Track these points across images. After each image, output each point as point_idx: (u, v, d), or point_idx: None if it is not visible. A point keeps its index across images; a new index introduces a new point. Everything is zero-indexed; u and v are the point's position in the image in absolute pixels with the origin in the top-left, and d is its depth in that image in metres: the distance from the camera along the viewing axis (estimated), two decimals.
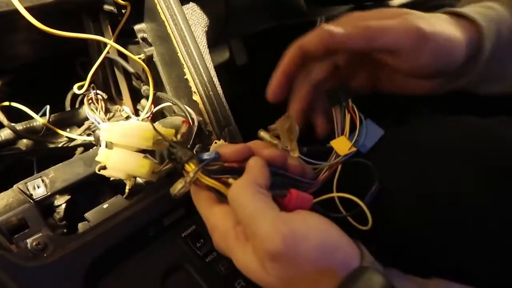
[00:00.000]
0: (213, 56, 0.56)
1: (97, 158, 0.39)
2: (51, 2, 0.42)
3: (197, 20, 0.52)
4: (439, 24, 0.35)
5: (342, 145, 0.38)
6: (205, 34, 0.53)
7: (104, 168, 0.40)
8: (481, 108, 0.39)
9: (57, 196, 0.44)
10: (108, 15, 0.55)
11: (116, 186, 0.51)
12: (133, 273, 0.37)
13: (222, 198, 0.32)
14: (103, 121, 0.50)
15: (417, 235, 0.34)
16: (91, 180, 0.46)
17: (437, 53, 0.34)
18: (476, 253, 0.32)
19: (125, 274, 0.37)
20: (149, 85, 0.52)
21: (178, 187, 0.31)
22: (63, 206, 0.46)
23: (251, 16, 0.62)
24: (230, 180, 0.31)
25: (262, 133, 0.38)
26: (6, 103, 0.51)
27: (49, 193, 0.41)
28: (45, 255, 0.34)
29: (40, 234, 0.35)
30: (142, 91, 0.54)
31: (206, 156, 0.31)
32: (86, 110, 0.51)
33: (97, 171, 0.41)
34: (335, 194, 0.35)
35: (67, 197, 0.47)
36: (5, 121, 0.50)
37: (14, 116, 0.52)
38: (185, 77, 0.48)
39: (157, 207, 0.41)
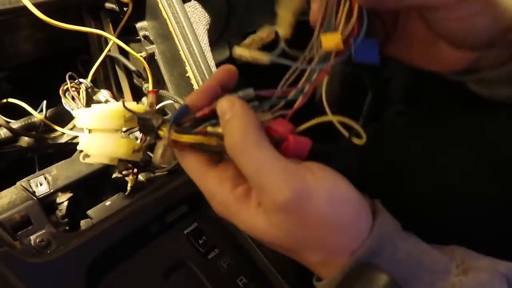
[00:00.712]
0: (214, 53, 0.56)
1: (78, 147, 0.39)
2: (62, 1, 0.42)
3: (198, 18, 0.52)
4: None
5: (329, 41, 0.28)
6: (206, 32, 0.53)
7: (87, 156, 0.39)
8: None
9: (59, 194, 0.45)
10: (109, 13, 0.55)
11: (118, 183, 0.51)
12: (136, 270, 0.38)
13: (209, 151, 0.29)
14: (77, 109, 0.49)
15: (428, 223, 0.33)
16: (93, 178, 0.46)
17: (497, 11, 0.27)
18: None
19: (128, 271, 0.37)
20: (149, 83, 0.53)
21: (158, 153, 0.28)
22: (65, 203, 0.46)
23: (252, 14, 0.62)
24: (209, 129, 0.28)
25: (239, 50, 0.31)
26: (4, 100, 0.51)
27: (51, 191, 0.41)
28: (48, 251, 0.34)
29: (44, 231, 0.36)
30: (143, 89, 0.54)
31: (175, 114, 0.28)
32: (62, 101, 0.50)
33: (81, 160, 0.40)
34: (332, 118, 0.29)
35: (69, 195, 0.48)
36: (1, 120, 0.49)
37: (16, 113, 0.52)
38: (187, 75, 0.48)
39: (159, 204, 0.41)
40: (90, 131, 0.38)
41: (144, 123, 0.29)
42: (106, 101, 0.49)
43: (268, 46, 0.31)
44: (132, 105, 0.36)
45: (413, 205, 0.33)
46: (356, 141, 0.28)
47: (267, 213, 0.27)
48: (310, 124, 0.28)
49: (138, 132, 0.44)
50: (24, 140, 0.54)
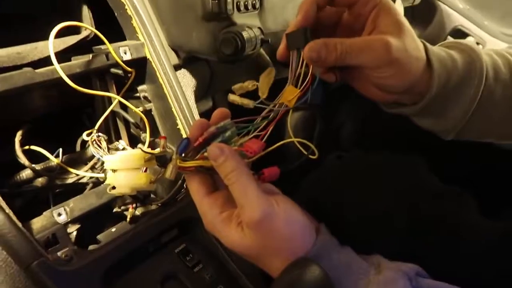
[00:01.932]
0: (198, 106, 0.69)
1: (106, 181, 0.50)
2: (82, 71, 0.55)
3: (187, 82, 0.66)
4: (411, 54, 0.40)
5: (289, 94, 0.40)
6: (193, 92, 0.66)
7: (114, 188, 0.50)
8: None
9: (69, 225, 0.55)
10: (114, 76, 0.68)
11: (119, 216, 0.62)
12: (138, 279, 0.48)
13: (208, 171, 0.39)
14: (105, 155, 0.61)
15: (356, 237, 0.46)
16: (100, 209, 0.57)
17: (403, 75, 0.40)
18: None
19: (132, 281, 0.48)
20: (146, 133, 0.65)
21: (167, 172, 0.38)
22: (74, 233, 0.57)
23: (231, 77, 0.77)
24: (206, 154, 0.38)
25: (232, 97, 0.43)
26: (27, 147, 0.62)
27: (69, 219, 0.52)
28: (72, 263, 0.44)
29: (67, 248, 0.46)
30: (141, 138, 0.66)
31: (180, 147, 0.38)
32: (91, 149, 0.62)
33: (108, 192, 0.51)
34: (294, 139, 0.40)
35: (77, 226, 0.58)
36: (26, 162, 0.60)
37: (32, 158, 0.62)
38: (178, 127, 0.60)
39: (155, 229, 0.52)
40: (114, 170, 0.49)
41: (160, 159, 0.41)
42: (124, 148, 0.61)
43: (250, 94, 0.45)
44: (148, 150, 0.47)
45: (347, 232, 0.44)
46: (311, 157, 0.41)
47: (243, 228, 0.38)
48: (278, 145, 0.40)
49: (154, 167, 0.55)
50: (39, 181, 0.65)
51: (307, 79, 0.40)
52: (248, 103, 0.42)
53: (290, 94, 0.41)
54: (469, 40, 1.29)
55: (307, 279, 0.33)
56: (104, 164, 0.49)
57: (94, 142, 0.57)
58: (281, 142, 0.40)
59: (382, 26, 0.41)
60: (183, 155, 0.39)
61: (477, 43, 1.30)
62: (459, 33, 1.29)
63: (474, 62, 0.43)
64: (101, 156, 0.55)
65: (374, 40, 0.40)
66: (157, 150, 0.44)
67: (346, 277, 0.38)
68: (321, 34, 0.42)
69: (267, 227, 0.37)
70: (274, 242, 0.38)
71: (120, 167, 0.48)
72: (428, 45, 0.43)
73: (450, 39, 1.28)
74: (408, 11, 1.19)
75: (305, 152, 0.41)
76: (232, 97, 0.43)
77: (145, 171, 0.48)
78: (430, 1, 1.20)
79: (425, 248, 0.48)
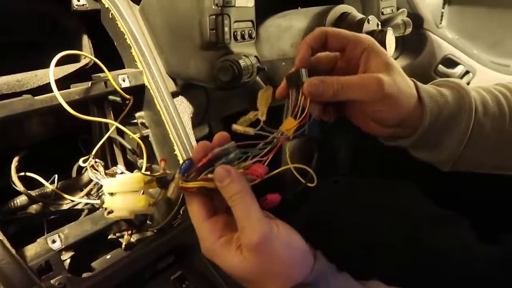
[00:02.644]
0: (195, 132, 0.70)
1: (104, 205, 0.49)
2: (81, 98, 0.55)
3: (184, 109, 0.67)
4: (403, 90, 0.43)
5: (289, 124, 0.43)
6: (190, 119, 0.67)
7: (111, 212, 0.49)
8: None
9: (63, 252, 0.54)
10: (111, 103, 0.69)
11: (114, 243, 0.61)
12: None
13: (210, 192, 0.39)
14: (103, 179, 0.61)
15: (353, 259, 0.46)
16: (95, 236, 0.56)
17: (386, 114, 0.44)
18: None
19: None
20: (143, 159, 0.65)
21: (169, 190, 0.39)
22: (68, 260, 0.56)
23: (227, 104, 0.78)
24: (209, 175, 0.38)
25: (235, 126, 0.44)
26: (22, 173, 0.62)
27: (63, 246, 0.51)
28: None
29: (61, 276, 0.45)
30: (137, 163, 0.66)
31: (182, 167, 0.39)
32: (89, 174, 0.62)
33: (106, 216, 0.50)
34: (291, 165, 0.42)
35: (71, 253, 0.58)
36: (22, 188, 0.60)
37: (27, 184, 0.62)
38: (175, 152, 0.61)
39: (151, 255, 0.52)
40: (112, 194, 0.49)
41: (161, 181, 0.41)
42: (122, 173, 0.61)
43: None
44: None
45: (344, 256, 0.44)
46: (309, 185, 0.42)
47: (242, 252, 0.38)
48: (279, 170, 0.42)
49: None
50: (33, 208, 0.64)
51: (304, 113, 0.43)
52: (248, 130, 0.44)
53: (289, 125, 0.43)
54: (459, 69, 1.33)
55: None
56: (103, 188, 0.49)
57: (91, 167, 0.57)
58: (282, 168, 0.42)
59: (373, 67, 0.44)
60: (185, 175, 0.39)
61: (467, 72, 1.33)
62: (450, 62, 1.32)
63: (463, 97, 0.46)
64: (99, 180, 0.55)
65: (368, 77, 0.43)
66: (158, 173, 0.44)
67: None
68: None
69: (267, 249, 0.37)
70: (273, 265, 0.38)
71: (118, 190, 0.48)
72: (418, 83, 0.47)
73: (441, 67, 1.31)
74: (399, 41, 1.23)
75: (303, 181, 0.42)
76: (235, 127, 0.45)
77: (142, 194, 0.48)
78: (420, 31, 1.24)
79: (421, 273, 0.48)
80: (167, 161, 0.63)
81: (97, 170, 0.58)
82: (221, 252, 0.39)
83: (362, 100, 0.43)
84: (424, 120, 0.45)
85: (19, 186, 0.59)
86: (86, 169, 0.66)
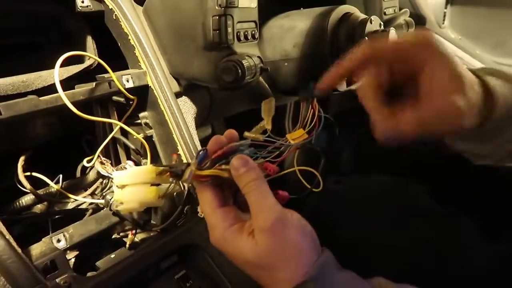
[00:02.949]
0: (198, 132, 0.71)
1: (114, 197, 0.50)
2: (85, 98, 0.56)
3: (188, 109, 0.67)
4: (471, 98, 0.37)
5: (298, 133, 0.46)
6: (193, 119, 0.68)
7: (121, 204, 0.49)
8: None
9: (68, 252, 0.55)
10: (115, 103, 0.69)
11: (118, 242, 0.62)
12: None
13: (223, 181, 0.41)
14: (114, 172, 0.61)
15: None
16: (100, 237, 0.57)
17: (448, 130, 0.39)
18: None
19: None
20: (147, 159, 0.65)
21: (185, 174, 0.41)
22: (73, 260, 0.57)
23: (230, 104, 0.78)
24: (224, 166, 0.41)
25: (247, 133, 0.47)
26: (28, 173, 0.63)
27: (68, 245, 0.52)
28: None
29: (66, 275, 0.46)
30: (141, 163, 0.66)
31: (199, 157, 0.41)
32: (99, 169, 0.61)
33: (114, 208, 0.51)
34: (296, 168, 0.45)
35: (76, 253, 0.58)
36: (29, 187, 0.60)
37: (31, 184, 0.62)
38: (178, 152, 0.61)
39: (154, 254, 0.52)
40: (122, 187, 0.49)
41: (174, 171, 0.42)
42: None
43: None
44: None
45: (346, 254, 0.44)
46: (315, 190, 0.43)
47: (255, 236, 0.38)
48: (285, 172, 0.45)
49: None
50: (37, 208, 0.65)
51: (313, 123, 0.46)
52: (258, 137, 0.46)
53: (298, 133, 0.47)
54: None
55: None
56: (113, 180, 0.49)
57: (100, 162, 0.58)
58: (290, 170, 0.45)
59: (441, 85, 0.37)
60: (200, 164, 0.41)
61: None
62: None
63: None
64: (110, 174, 0.55)
65: (445, 111, 0.37)
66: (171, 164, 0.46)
67: None
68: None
69: (281, 232, 0.38)
70: (286, 248, 0.38)
71: (129, 182, 0.48)
72: (486, 79, 0.42)
73: None
74: None
75: (309, 186, 0.44)
76: (246, 134, 0.47)
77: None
78: None
79: (424, 271, 0.48)
80: (170, 161, 0.64)
81: (106, 166, 0.59)
82: (233, 238, 0.39)
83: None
84: (496, 111, 0.40)
85: (26, 185, 0.59)
86: (91, 169, 0.66)
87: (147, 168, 0.46)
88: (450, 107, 0.37)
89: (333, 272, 0.39)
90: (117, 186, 0.48)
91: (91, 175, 0.64)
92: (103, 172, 0.58)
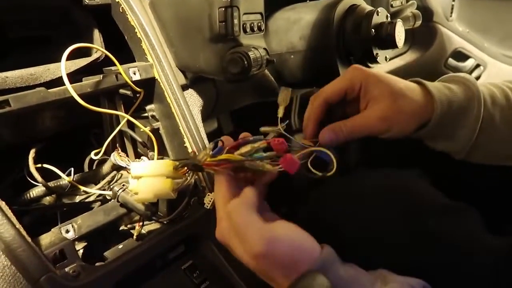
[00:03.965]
0: (205, 126, 0.71)
1: (129, 188, 0.51)
2: (92, 91, 0.56)
3: (194, 102, 0.67)
4: (407, 113, 0.47)
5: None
6: (200, 112, 0.68)
7: (135, 194, 0.50)
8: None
9: (76, 242, 0.55)
10: (122, 97, 0.70)
11: (124, 234, 0.62)
12: None
13: (235, 170, 0.43)
14: (132, 162, 0.61)
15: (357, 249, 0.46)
16: (108, 229, 0.57)
17: (395, 135, 0.48)
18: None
19: None
20: (154, 151, 0.66)
21: (200, 155, 0.43)
22: (81, 251, 0.57)
23: (236, 97, 0.78)
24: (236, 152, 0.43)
25: (263, 128, 0.50)
26: (39, 165, 0.63)
27: (77, 236, 0.52)
28: (80, 278, 0.45)
29: (75, 264, 0.46)
30: (148, 156, 0.67)
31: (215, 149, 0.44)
32: (117, 160, 0.62)
33: (129, 197, 0.53)
34: (313, 148, 0.47)
35: (84, 244, 0.59)
36: (40, 179, 0.61)
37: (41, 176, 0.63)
38: (185, 145, 0.62)
39: (162, 245, 0.52)
40: (138, 178, 0.49)
41: (192, 162, 0.44)
42: None
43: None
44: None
45: (349, 248, 0.44)
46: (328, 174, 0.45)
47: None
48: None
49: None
50: (46, 200, 0.65)
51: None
52: (277, 129, 0.50)
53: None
54: (470, 63, 1.31)
55: None
56: (131, 171, 0.50)
57: (118, 154, 0.59)
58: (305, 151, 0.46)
59: (374, 99, 0.47)
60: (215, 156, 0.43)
61: (478, 65, 1.32)
62: (460, 56, 1.31)
63: (470, 88, 0.49)
64: (127, 165, 0.56)
65: (370, 118, 0.47)
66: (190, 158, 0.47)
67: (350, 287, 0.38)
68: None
69: (273, 255, 0.39)
70: (281, 264, 0.39)
71: (146, 174, 0.48)
72: (423, 81, 0.50)
73: (451, 61, 1.30)
74: (409, 34, 1.22)
75: (319, 173, 0.45)
76: (263, 128, 0.50)
77: None
78: (430, 24, 1.23)
79: (428, 265, 0.48)
80: (177, 154, 0.64)
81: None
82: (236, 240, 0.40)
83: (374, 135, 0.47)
84: (436, 110, 0.47)
85: (37, 177, 0.60)
86: (99, 161, 0.67)
87: (165, 162, 0.47)
88: (375, 116, 0.47)
89: (336, 266, 0.39)
90: (133, 176, 0.49)
91: (103, 168, 0.65)
92: (121, 163, 0.58)
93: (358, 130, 0.47)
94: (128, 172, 0.62)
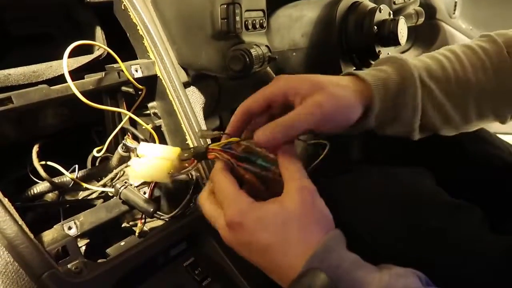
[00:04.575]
0: (207, 123, 0.71)
1: (129, 163, 0.52)
2: (94, 88, 0.56)
3: (196, 99, 0.67)
4: (340, 98, 0.45)
5: None
6: (201, 109, 0.68)
7: (133, 171, 0.49)
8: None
9: (79, 239, 0.56)
10: (124, 94, 0.70)
11: (126, 231, 0.62)
12: None
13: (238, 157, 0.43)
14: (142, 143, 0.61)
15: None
16: (110, 226, 0.57)
17: (337, 124, 0.45)
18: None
19: None
20: None
21: (206, 133, 0.47)
22: (84, 247, 0.58)
23: (238, 94, 0.78)
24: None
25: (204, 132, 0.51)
26: (43, 162, 0.63)
27: (79, 233, 0.52)
28: (82, 275, 0.45)
29: (77, 260, 0.47)
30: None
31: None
32: (129, 144, 0.60)
33: (129, 178, 0.54)
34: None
35: (86, 241, 0.59)
36: (44, 175, 0.60)
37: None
38: (187, 142, 0.62)
39: (164, 242, 0.53)
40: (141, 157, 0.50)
41: (197, 151, 0.45)
42: None
43: None
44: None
45: (352, 244, 0.43)
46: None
47: (287, 194, 0.40)
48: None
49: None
50: (49, 196, 0.66)
51: None
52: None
53: None
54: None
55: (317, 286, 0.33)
56: (137, 149, 0.51)
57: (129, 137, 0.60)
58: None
59: (305, 93, 0.44)
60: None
61: None
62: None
63: (403, 66, 0.48)
64: (137, 146, 0.55)
65: (305, 107, 0.43)
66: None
67: (357, 269, 0.38)
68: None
69: (311, 196, 0.40)
70: (315, 211, 0.39)
71: (150, 155, 0.49)
72: (354, 71, 0.49)
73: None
74: (411, 32, 1.22)
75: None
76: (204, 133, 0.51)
77: None
78: (433, 21, 1.23)
79: (429, 262, 0.48)
80: None
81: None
82: (259, 204, 0.40)
83: (314, 127, 0.44)
84: (374, 97, 0.46)
85: (42, 174, 0.60)
86: (102, 159, 0.67)
87: (172, 148, 0.48)
88: (310, 103, 0.43)
89: (343, 247, 0.39)
90: (138, 155, 0.50)
91: (112, 162, 0.65)
92: (131, 145, 0.58)
93: (294, 123, 0.43)
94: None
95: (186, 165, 0.47)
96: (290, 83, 0.45)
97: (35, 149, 0.59)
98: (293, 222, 0.38)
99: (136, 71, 0.61)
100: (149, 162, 0.49)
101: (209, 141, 0.64)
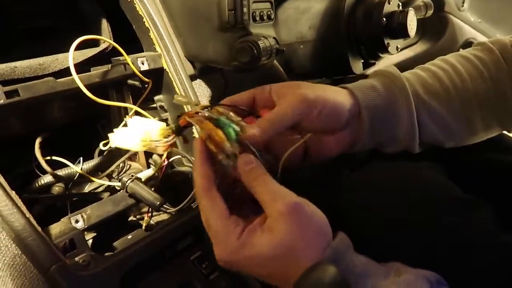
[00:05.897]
0: None
1: (116, 129, 0.52)
2: (100, 81, 0.56)
3: (202, 92, 0.67)
4: (322, 91, 0.44)
5: None
6: (208, 102, 0.67)
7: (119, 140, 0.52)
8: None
9: (86, 232, 0.55)
10: (130, 87, 0.69)
11: (133, 225, 0.62)
12: (154, 286, 0.48)
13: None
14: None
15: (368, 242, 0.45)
16: (116, 220, 0.57)
17: (327, 118, 0.44)
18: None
19: (148, 287, 0.48)
20: None
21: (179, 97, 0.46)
22: (90, 241, 0.58)
23: (244, 87, 0.78)
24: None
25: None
26: (48, 157, 0.63)
27: (86, 226, 0.52)
28: (89, 268, 0.45)
29: (85, 253, 0.46)
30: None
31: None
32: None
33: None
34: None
35: (93, 234, 0.59)
36: (48, 168, 0.60)
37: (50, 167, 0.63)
38: (193, 135, 0.61)
39: (171, 235, 0.52)
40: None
41: (176, 126, 0.46)
42: None
43: None
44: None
45: (361, 242, 0.42)
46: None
47: (272, 226, 0.36)
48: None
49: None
50: (55, 190, 0.65)
51: None
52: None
53: None
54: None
55: (327, 281, 0.33)
56: (127, 122, 0.52)
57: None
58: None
59: (285, 95, 0.43)
60: None
61: None
62: (471, 46, 1.28)
63: (393, 82, 0.47)
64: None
65: (288, 99, 0.43)
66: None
67: (365, 277, 0.37)
68: None
69: (299, 215, 0.36)
70: (305, 231, 0.36)
71: (137, 126, 0.49)
72: (347, 85, 0.48)
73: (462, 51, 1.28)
74: (419, 25, 1.20)
75: None
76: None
77: None
78: (441, 14, 1.21)
79: (439, 257, 0.47)
80: (185, 145, 0.64)
81: None
82: (250, 239, 0.37)
83: (299, 120, 0.43)
84: (363, 119, 0.45)
85: (46, 167, 0.60)
86: (108, 152, 0.67)
87: (159, 123, 0.49)
88: (292, 96, 0.42)
89: (349, 253, 0.39)
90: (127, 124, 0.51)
91: (112, 158, 0.65)
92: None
93: (278, 117, 0.42)
94: None
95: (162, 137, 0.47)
96: (275, 85, 0.45)
97: (38, 141, 0.59)
98: (291, 246, 0.36)
99: (142, 64, 0.61)
100: (128, 131, 0.50)
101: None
